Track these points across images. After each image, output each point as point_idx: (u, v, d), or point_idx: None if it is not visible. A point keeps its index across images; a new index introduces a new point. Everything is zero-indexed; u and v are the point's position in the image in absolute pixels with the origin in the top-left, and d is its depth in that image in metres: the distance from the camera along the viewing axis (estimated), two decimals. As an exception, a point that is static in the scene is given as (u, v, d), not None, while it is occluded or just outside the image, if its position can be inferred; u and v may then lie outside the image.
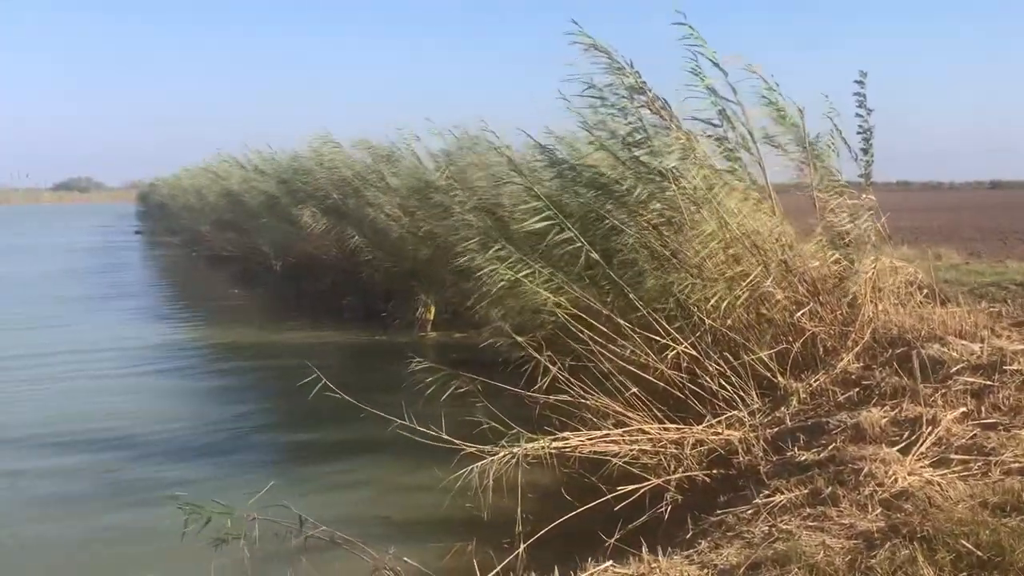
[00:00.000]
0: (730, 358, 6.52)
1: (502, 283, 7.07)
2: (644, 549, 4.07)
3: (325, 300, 18.30)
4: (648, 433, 5.83)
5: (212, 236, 28.90)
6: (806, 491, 4.56)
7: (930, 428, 5.13)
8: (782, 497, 4.54)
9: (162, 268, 31.38)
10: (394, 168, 16.02)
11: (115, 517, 6.80)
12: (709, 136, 7.45)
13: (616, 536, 4.80)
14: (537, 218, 7.10)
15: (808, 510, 4.31)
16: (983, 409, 5.45)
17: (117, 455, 8.33)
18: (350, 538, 4.63)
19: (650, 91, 7.11)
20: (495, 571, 4.42)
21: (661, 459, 5.68)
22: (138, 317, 17.78)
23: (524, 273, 6.95)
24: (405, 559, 4.70)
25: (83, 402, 10.30)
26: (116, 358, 13.16)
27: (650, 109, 7.14)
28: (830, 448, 5.12)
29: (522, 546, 4.79)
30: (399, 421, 5.28)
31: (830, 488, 4.48)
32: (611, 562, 4.02)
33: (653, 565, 3.90)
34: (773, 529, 4.13)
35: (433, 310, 14.73)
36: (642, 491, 5.32)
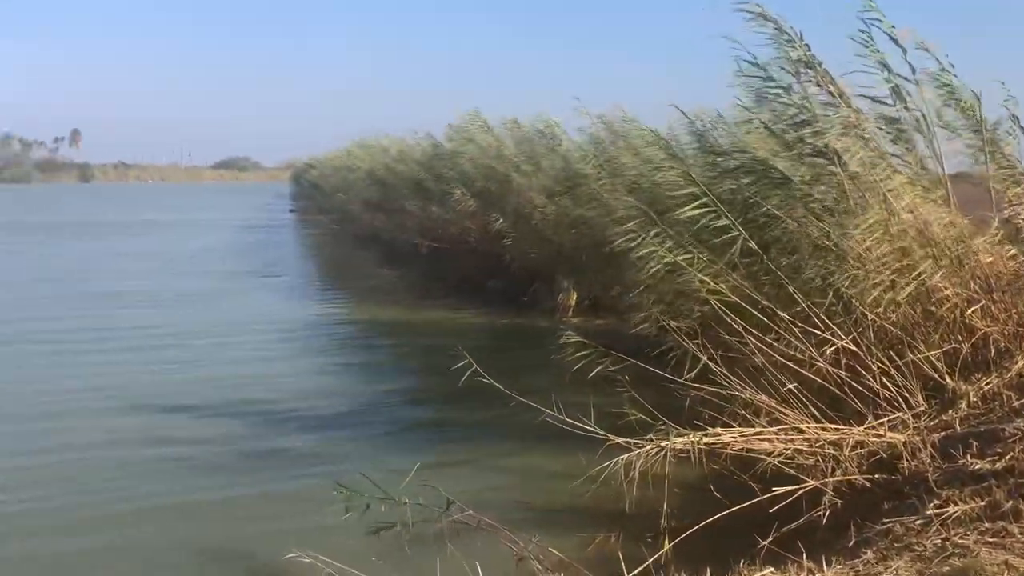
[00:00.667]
0: (894, 356, 6.14)
1: (659, 267, 6.88)
2: (804, 556, 3.86)
3: (468, 282, 18.48)
4: (804, 432, 5.55)
5: (361, 216, 29.62)
6: (982, 503, 4.22)
7: (1124, 441, 4.69)
8: (955, 508, 4.22)
9: (313, 246, 32.46)
10: (539, 151, 16.01)
11: (270, 489, 7.04)
12: (878, 116, 7.04)
13: (770, 539, 4.58)
14: (693, 205, 6.87)
15: (986, 524, 3.99)
16: None
17: (268, 427, 8.62)
18: (495, 524, 4.59)
19: (819, 65, 6.74)
20: (643, 566, 4.27)
21: (818, 460, 5.40)
22: (290, 294, 18.42)
23: (683, 257, 6.74)
24: (550, 549, 4.63)
25: (237, 376, 10.71)
26: (268, 333, 13.68)
27: (819, 85, 6.78)
28: (1007, 458, 4.74)
29: (668, 543, 4.63)
30: (546, 411, 5.17)
31: (1011, 502, 4.14)
32: (770, 569, 3.83)
33: (816, 575, 3.68)
34: (947, 543, 3.84)
35: (575, 296, 14.64)
36: (797, 493, 5.07)
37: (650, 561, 4.33)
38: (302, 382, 10.52)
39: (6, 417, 8.87)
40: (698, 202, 6.88)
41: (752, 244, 6.81)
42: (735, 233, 6.79)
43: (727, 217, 6.82)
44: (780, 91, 7.13)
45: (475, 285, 18.00)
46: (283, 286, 19.62)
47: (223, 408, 9.18)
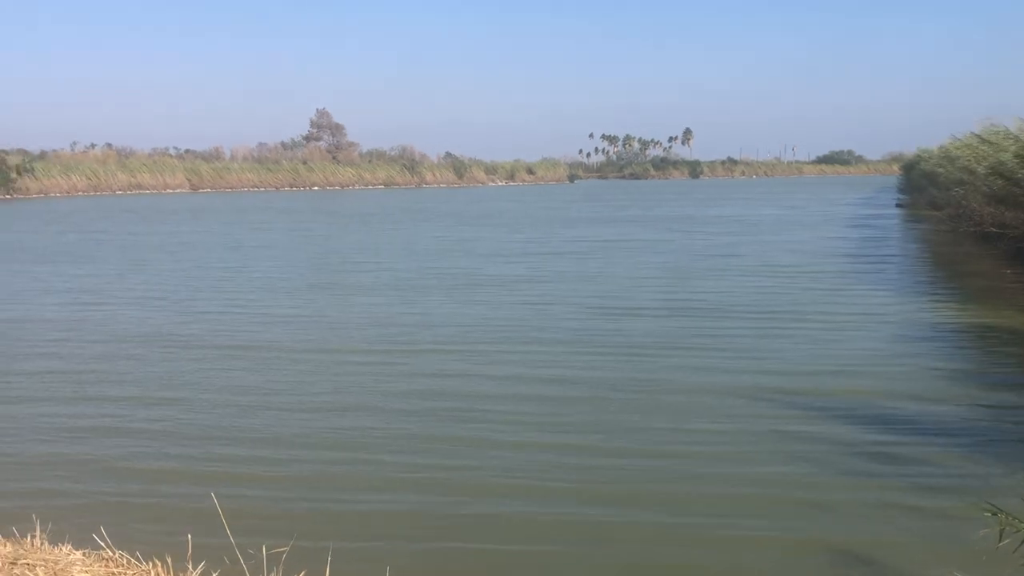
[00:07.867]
0: None
1: None
2: None
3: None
4: None
5: (980, 211, 27.03)
6: None
7: None
8: None
9: (924, 242, 30.55)
10: None
11: (902, 500, 6.71)
12: None
13: None
14: None
15: None
16: None
17: (887, 430, 8.33)
18: None
19: None
20: None
21: None
22: (898, 290, 17.53)
23: None
24: None
25: (848, 380, 10.48)
26: (874, 331, 13.17)
27: None
28: None
29: None
30: None
31: None
32: None
33: None
34: None
35: None
36: None
37: None
38: (915, 385, 9.94)
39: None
40: None
41: None
42: None
43: None
44: None
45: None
46: (891, 283, 18.75)
47: (836, 408, 9.08)
